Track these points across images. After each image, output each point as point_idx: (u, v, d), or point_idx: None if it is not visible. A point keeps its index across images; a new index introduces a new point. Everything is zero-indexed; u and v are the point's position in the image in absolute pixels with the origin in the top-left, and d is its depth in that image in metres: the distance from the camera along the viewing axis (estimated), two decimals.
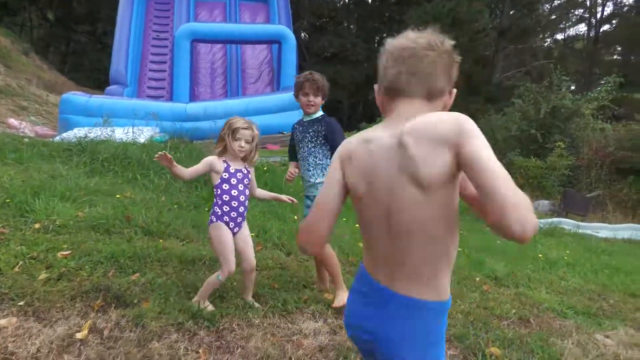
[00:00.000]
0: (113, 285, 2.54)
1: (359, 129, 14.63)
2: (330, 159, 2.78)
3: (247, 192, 2.62)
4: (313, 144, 2.87)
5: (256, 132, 2.59)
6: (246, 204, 2.63)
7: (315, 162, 2.89)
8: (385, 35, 24.64)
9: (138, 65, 13.41)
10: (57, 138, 6.70)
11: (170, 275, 2.87)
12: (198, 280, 2.84)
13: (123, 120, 7.94)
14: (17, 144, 5.09)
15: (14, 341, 1.91)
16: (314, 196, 2.83)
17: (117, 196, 4.07)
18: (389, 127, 1.05)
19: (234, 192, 2.55)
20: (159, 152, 2.39)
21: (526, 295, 3.84)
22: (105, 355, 1.95)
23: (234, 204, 2.55)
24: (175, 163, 2.49)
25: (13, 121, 8.68)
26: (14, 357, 1.83)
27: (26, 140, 5.25)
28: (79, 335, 2.03)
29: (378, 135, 1.05)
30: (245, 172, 2.63)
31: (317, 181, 2.87)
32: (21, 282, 2.39)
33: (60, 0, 23.76)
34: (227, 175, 2.55)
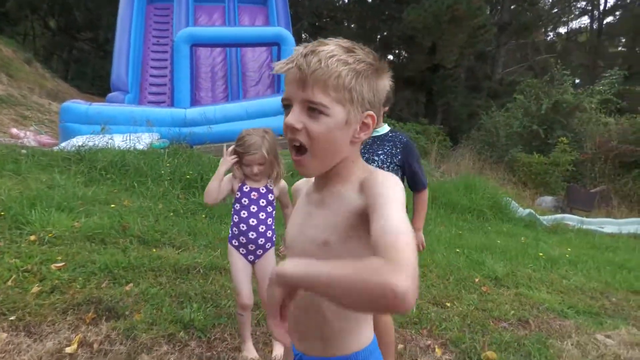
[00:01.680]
0: (105, 297, 2.54)
1: None
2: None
3: (262, 215, 2.20)
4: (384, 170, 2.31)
5: (266, 152, 2.12)
6: (260, 230, 2.19)
7: None
8: (385, 33, 24.62)
9: (139, 72, 13.43)
10: (58, 147, 6.72)
11: (164, 285, 2.86)
12: (191, 289, 2.84)
13: (124, 127, 7.96)
14: (15, 155, 5.11)
15: (2, 357, 1.91)
16: None
17: (112, 205, 4.08)
18: None
19: (244, 214, 2.18)
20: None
21: (526, 295, 3.81)
22: None
23: (242, 227, 2.17)
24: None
25: (16, 131, 8.71)
26: None
27: (24, 151, 5.26)
28: (68, 350, 2.03)
29: None
30: (264, 191, 2.21)
31: None
32: (13, 297, 2.39)
33: (61, 9, 23.88)
34: (239, 194, 2.20)
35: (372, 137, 2.21)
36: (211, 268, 3.18)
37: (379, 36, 25.33)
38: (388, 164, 2.19)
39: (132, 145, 6.52)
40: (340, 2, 26.20)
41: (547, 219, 7.88)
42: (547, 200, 10.28)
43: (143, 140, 7.12)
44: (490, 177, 9.71)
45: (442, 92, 20.85)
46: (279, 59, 12.39)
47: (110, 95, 11.87)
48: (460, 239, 5.37)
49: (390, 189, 0.84)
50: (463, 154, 12.63)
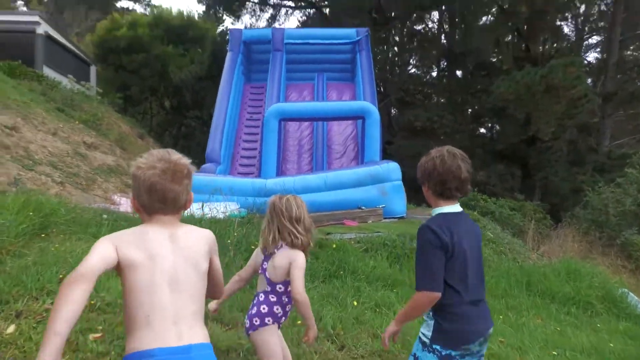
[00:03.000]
0: None
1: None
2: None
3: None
4: None
5: (269, 214, 2.16)
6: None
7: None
8: (476, 107, 24.09)
9: (232, 145, 14.32)
10: None
11: None
12: None
13: (209, 196, 8.25)
14: (99, 219, 5.39)
15: None
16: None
17: None
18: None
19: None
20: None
21: None
22: None
23: (284, 299, 2.14)
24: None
25: (116, 198, 9.49)
26: None
27: (105, 216, 5.55)
28: None
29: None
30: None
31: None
32: None
33: (175, 91, 27.02)
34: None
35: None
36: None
37: (470, 110, 24.88)
38: None
39: (211, 214, 6.63)
40: (428, 77, 26.48)
41: None
42: None
43: (223, 209, 7.27)
44: (600, 262, 8.39)
45: (539, 166, 19.41)
46: (363, 132, 12.57)
47: (203, 166, 12.65)
48: (561, 336, 4.47)
49: None
50: (566, 235, 11.25)
